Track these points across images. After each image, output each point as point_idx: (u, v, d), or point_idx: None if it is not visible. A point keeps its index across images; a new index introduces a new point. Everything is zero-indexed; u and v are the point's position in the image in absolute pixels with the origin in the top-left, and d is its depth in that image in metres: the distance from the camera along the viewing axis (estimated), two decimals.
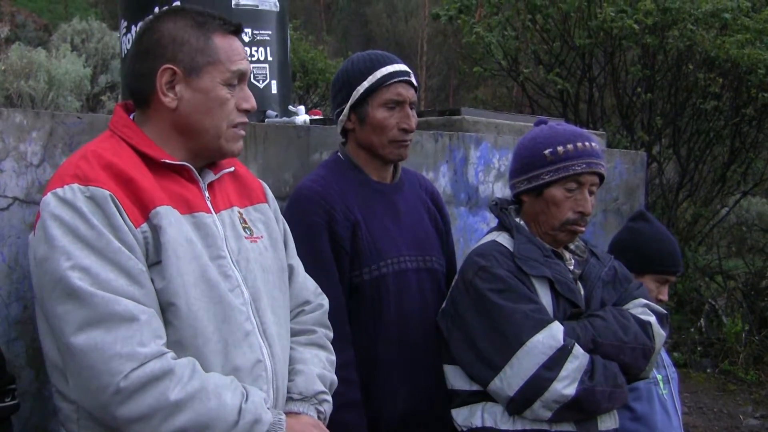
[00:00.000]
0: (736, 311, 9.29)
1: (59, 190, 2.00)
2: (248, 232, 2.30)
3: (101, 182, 2.01)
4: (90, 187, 2.00)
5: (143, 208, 2.04)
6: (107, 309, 1.92)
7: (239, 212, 2.31)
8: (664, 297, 3.38)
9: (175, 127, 2.20)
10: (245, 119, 2.27)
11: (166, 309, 2.03)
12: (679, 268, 3.44)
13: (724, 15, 8.79)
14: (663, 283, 3.40)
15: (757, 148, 9.95)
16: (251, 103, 2.26)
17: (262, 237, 2.34)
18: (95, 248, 1.95)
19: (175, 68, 2.17)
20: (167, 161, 2.15)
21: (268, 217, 2.41)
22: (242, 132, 2.27)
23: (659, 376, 3.28)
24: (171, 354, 1.98)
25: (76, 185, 2.00)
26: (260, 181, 2.53)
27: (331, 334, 2.53)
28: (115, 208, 1.99)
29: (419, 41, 32.71)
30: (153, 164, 2.14)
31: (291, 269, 2.47)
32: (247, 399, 2.03)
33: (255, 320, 2.18)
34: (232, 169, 2.38)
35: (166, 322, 2.03)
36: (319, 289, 2.57)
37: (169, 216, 2.06)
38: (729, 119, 9.33)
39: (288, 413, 2.23)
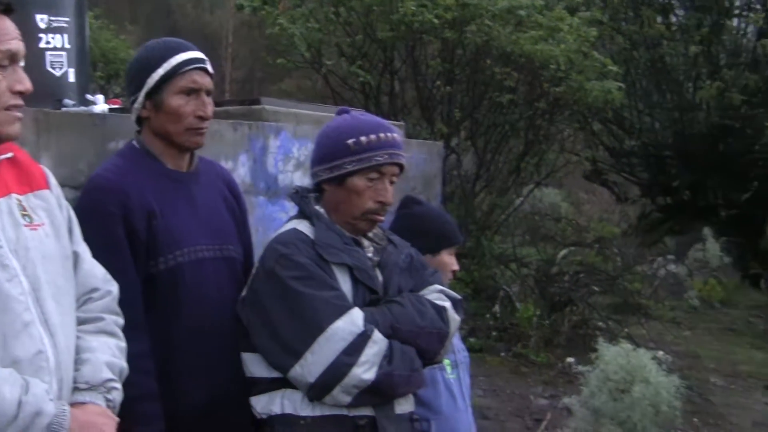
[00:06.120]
0: (529, 297, 9.68)
1: None
2: (28, 220, 2.21)
3: None
4: None
5: None
6: None
7: (18, 199, 2.22)
8: (457, 266, 3.51)
9: None
10: (20, 101, 2.17)
11: None
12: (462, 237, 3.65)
13: (519, 12, 9.12)
14: (453, 254, 3.51)
15: (550, 140, 10.42)
16: (25, 84, 2.16)
17: (43, 224, 2.25)
18: None
19: None
20: None
21: (50, 204, 2.32)
22: (19, 114, 2.17)
23: (447, 361, 3.33)
24: None
25: None
26: (42, 167, 2.43)
27: (121, 321, 2.45)
28: None
29: (225, 32, 32.28)
30: None
31: (76, 256, 2.38)
32: (27, 391, 1.96)
33: (35, 310, 2.10)
34: (10, 155, 2.27)
35: None
36: (108, 276, 2.48)
37: None
38: (523, 112, 9.70)
39: (74, 404, 2.16)
